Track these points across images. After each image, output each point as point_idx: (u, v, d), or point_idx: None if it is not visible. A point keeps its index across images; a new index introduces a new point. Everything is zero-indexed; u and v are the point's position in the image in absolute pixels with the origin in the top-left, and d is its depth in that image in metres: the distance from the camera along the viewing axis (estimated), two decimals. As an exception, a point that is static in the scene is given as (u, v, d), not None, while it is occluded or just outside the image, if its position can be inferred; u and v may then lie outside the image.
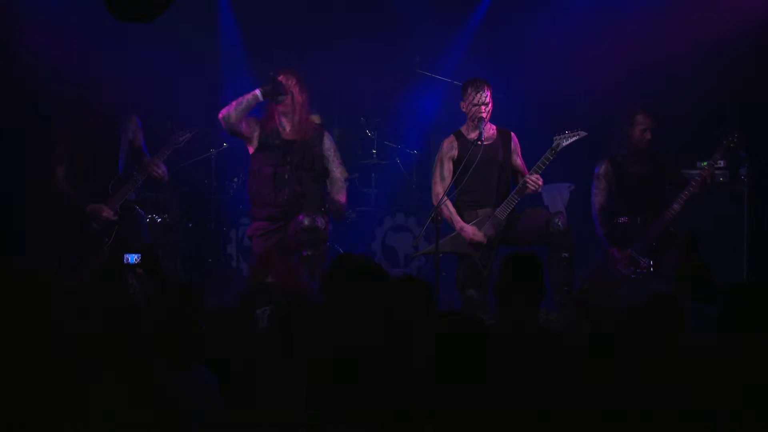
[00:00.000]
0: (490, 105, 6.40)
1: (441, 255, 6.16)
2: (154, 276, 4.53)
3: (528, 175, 6.31)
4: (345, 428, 3.16)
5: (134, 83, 7.00)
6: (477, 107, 6.37)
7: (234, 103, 6.46)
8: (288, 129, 6.54)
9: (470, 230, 6.36)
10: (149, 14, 5.00)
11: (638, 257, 6.74)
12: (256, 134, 6.54)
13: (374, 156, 8.90)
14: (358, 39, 8.95)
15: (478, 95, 6.37)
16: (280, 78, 6.45)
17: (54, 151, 6.64)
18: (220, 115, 6.48)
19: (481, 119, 6.37)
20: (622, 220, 6.89)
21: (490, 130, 6.49)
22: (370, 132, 8.93)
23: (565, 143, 6.33)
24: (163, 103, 7.60)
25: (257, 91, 6.44)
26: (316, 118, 9.13)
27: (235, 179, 8.27)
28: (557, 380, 3.51)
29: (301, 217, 6.29)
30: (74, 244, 6.52)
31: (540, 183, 6.29)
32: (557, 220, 6.27)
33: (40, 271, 3.94)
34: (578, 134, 6.34)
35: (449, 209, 6.39)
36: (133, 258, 4.65)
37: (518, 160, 6.54)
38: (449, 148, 6.50)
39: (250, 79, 8.25)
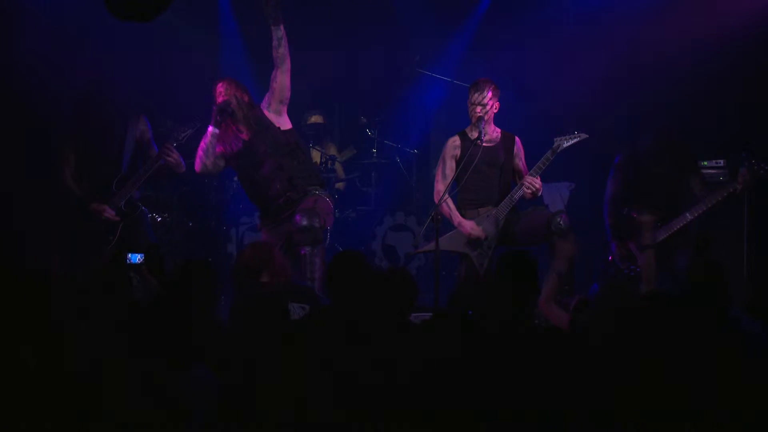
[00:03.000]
0: (488, 106, 6.38)
1: (441, 253, 6.16)
2: (157, 276, 4.53)
3: (526, 177, 6.32)
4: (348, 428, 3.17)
5: (134, 83, 7.00)
6: (473, 106, 6.40)
7: (201, 153, 6.51)
8: (244, 132, 6.52)
9: (468, 225, 6.39)
10: (149, 14, 5.00)
11: (637, 254, 6.73)
12: (227, 159, 6.59)
13: (374, 156, 8.91)
14: (359, 39, 8.96)
15: (475, 95, 6.40)
16: (219, 88, 6.45)
17: (60, 150, 6.63)
18: (198, 170, 6.57)
19: (480, 119, 6.38)
20: (632, 214, 6.84)
21: (494, 132, 6.50)
22: (370, 132, 8.93)
23: (565, 145, 6.34)
24: (163, 103, 7.60)
25: (210, 129, 6.48)
26: (318, 118, 9.17)
27: (235, 179, 8.26)
28: (552, 380, 3.51)
29: (298, 217, 6.28)
30: (77, 243, 6.52)
31: (537, 185, 6.29)
32: (559, 219, 6.27)
33: (41, 271, 3.95)
34: (579, 136, 6.36)
35: (449, 206, 6.41)
36: (136, 258, 4.65)
37: (520, 164, 6.54)
38: (452, 147, 6.52)
39: (250, 79, 8.26)
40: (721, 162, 6.91)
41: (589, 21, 8.05)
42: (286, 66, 6.38)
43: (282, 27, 6.29)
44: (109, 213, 6.52)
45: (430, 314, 4.81)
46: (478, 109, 6.38)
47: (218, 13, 8.70)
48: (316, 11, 8.69)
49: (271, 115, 6.51)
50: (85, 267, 6.22)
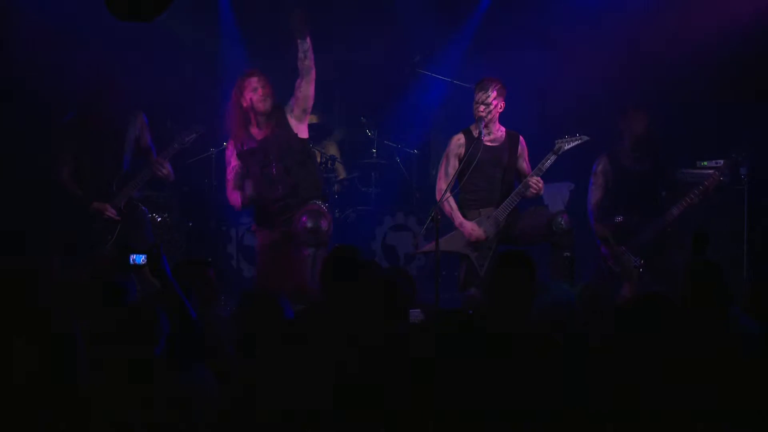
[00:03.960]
0: (492, 106, 6.38)
1: (441, 254, 6.16)
2: (159, 277, 4.52)
3: (529, 177, 6.33)
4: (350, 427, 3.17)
5: (134, 83, 6.99)
6: (477, 105, 6.41)
7: (236, 204, 6.60)
8: (257, 128, 6.54)
9: (469, 226, 6.39)
10: (149, 14, 4.99)
11: (630, 255, 6.74)
12: (237, 155, 6.62)
13: (374, 156, 8.90)
14: (359, 39, 8.96)
15: (480, 94, 6.41)
16: (254, 82, 6.42)
17: (59, 149, 6.62)
18: (240, 204, 6.59)
19: (480, 119, 6.39)
20: (617, 219, 6.87)
21: (498, 131, 6.51)
22: (370, 132, 8.93)
23: (566, 147, 6.36)
24: (162, 103, 7.59)
25: (234, 163, 6.57)
26: (313, 118, 9.16)
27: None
28: (549, 379, 3.51)
29: (304, 218, 6.29)
30: (76, 243, 6.52)
31: (541, 185, 6.31)
32: (560, 219, 6.27)
33: (41, 271, 3.95)
34: (580, 139, 6.37)
35: (451, 205, 6.42)
36: (140, 258, 4.63)
37: (524, 164, 6.55)
38: (457, 145, 6.52)
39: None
40: (721, 162, 6.91)
41: (590, 21, 8.04)
42: (311, 76, 6.41)
43: (308, 40, 6.31)
44: (111, 212, 6.51)
45: (430, 311, 4.84)
46: (482, 108, 6.39)
47: (218, 13, 8.70)
48: (317, 11, 8.67)
49: (291, 120, 6.54)
50: (85, 267, 6.22)
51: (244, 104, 6.43)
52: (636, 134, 6.84)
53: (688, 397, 3.36)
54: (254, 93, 6.40)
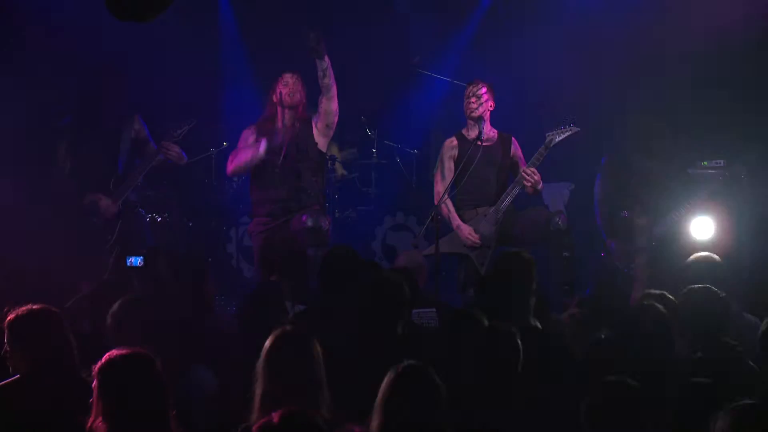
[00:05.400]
0: (483, 99, 6.42)
1: (441, 255, 6.16)
2: (157, 279, 4.54)
3: (524, 169, 6.35)
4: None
5: (134, 83, 7.00)
6: (468, 99, 6.44)
7: (241, 162, 6.51)
8: (281, 124, 6.56)
9: (466, 230, 6.40)
10: (149, 13, 4.99)
11: (635, 253, 6.74)
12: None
13: (374, 156, 8.91)
14: (358, 39, 8.96)
15: (470, 87, 6.48)
16: (287, 78, 6.49)
17: (56, 150, 6.63)
18: (230, 172, 6.60)
19: (480, 119, 6.41)
20: (623, 215, 6.86)
21: (491, 132, 6.54)
22: (370, 132, 8.93)
23: (558, 139, 6.37)
24: (163, 103, 7.60)
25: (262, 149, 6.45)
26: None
27: (235, 179, 8.27)
28: (549, 380, 3.52)
29: (304, 217, 6.31)
30: (76, 243, 6.51)
31: (537, 177, 6.29)
32: (558, 219, 6.28)
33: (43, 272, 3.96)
34: (571, 129, 6.37)
35: (448, 208, 6.44)
36: (137, 260, 4.65)
37: (520, 163, 6.56)
38: (449, 148, 6.56)
39: (250, 80, 8.26)
40: (721, 162, 6.90)
41: (591, 20, 8.04)
42: (332, 93, 6.46)
43: (326, 58, 6.33)
44: (105, 202, 6.48)
45: (432, 310, 4.86)
46: (473, 100, 6.43)
47: (218, 13, 8.71)
48: (316, 11, 8.69)
49: (315, 131, 6.60)
50: (86, 267, 6.21)
51: (275, 98, 6.53)
52: (644, 133, 6.84)
53: (688, 396, 3.37)
54: (285, 87, 6.50)
